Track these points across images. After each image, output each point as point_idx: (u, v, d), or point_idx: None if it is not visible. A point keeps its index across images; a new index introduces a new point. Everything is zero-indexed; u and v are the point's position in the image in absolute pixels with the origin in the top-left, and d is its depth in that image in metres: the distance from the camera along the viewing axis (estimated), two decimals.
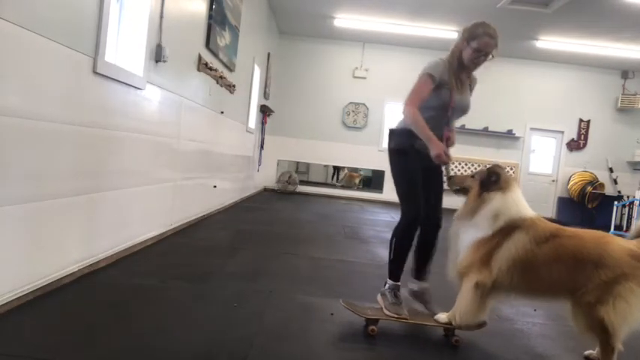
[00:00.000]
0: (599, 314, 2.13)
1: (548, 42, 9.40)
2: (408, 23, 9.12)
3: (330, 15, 9.22)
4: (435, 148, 2.55)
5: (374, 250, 4.86)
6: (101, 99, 3.01)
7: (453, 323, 2.46)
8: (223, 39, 5.68)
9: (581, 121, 11.07)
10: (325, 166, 13.45)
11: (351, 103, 10.98)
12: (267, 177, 10.83)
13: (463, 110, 2.79)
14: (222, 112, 6.07)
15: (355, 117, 11.02)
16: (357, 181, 12.83)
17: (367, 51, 10.84)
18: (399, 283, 2.71)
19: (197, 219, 5.43)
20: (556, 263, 2.25)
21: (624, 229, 9.54)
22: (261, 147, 9.75)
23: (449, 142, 2.74)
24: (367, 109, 10.98)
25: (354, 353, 2.30)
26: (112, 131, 3.18)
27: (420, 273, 2.83)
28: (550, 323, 3.07)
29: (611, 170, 10.97)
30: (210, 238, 4.70)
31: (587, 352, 2.50)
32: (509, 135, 10.93)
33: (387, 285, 2.70)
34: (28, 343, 2.01)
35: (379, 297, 2.71)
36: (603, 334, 2.16)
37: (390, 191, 11.06)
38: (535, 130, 11.13)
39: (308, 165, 13.56)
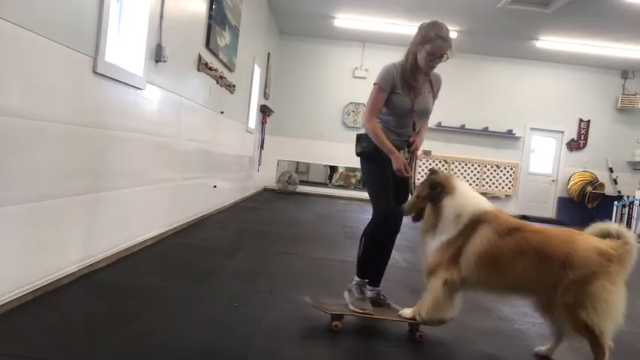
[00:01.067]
0: (581, 318, 2.14)
1: (548, 42, 9.40)
2: (408, 23, 9.11)
3: (330, 15, 9.22)
4: (396, 162, 2.61)
5: None
6: (101, 99, 3.01)
7: (417, 318, 2.45)
8: (223, 39, 5.68)
9: (581, 121, 11.07)
10: (325, 166, 13.45)
11: (351, 103, 10.99)
12: (267, 177, 10.83)
13: (423, 113, 2.77)
14: (222, 112, 6.07)
15: (355, 117, 11.02)
16: (353, 180, 12.85)
17: (367, 51, 10.85)
18: (366, 280, 2.73)
19: (197, 219, 5.43)
20: (520, 257, 2.24)
21: None
22: (261, 147, 9.75)
23: (414, 147, 2.75)
24: None
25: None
26: (112, 131, 3.18)
27: (375, 279, 2.82)
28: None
29: (611, 170, 10.98)
30: (210, 238, 4.70)
31: (536, 349, 2.51)
32: (509, 135, 10.94)
33: (354, 281, 2.72)
34: (28, 343, 2.01)
35: (346, 293, 2.71)
36: (590, 335, 2.17)
37: None
38: (535, 130, 11.13)
39: (308, 165, 13.56)
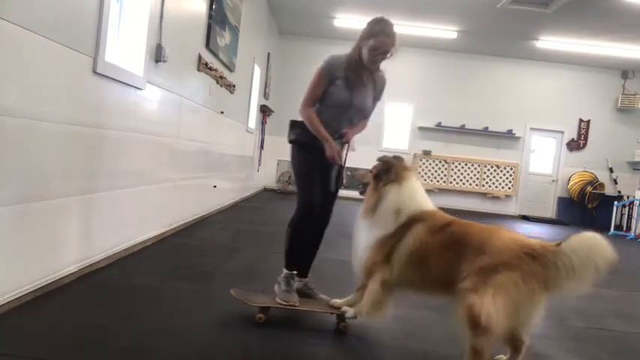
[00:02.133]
0: (469, 301, 1.91)
1: (548, 42, 9.40)
2: (407, 23, 9.12)
3: (330, 15, 9.22)
4: (329, 149, 2.60)
5: None
6: (101, 99, 3.01)
7: (359, 317, 2.41)
8: (223, 39, 5.68)
9: (581, 121, 11.08)
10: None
11: None
12: (267, 177, 10.83)
13: (360, 110, 2.72)
14: (222, 112, 6.07)
15: None
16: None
17: None
18: (294, 272, 2.72)
19: (197, 219, 5.43)
20: (443, 252, 2.15)
21: (624, 229, 9.55)
22: (261, 147, 9.75)
23: (345, 139, 2.69)
24: None
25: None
26: (112, 131, 3.18)
27: (303, 270, 2.83)
28: (550, 323, 3.07)
29: (611, 170, 10.98)
30: (210, 238, 4.70)
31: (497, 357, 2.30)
32: (509, 135, 10.93)
33: (282, 274, 2.72)
34: (28, 343, 2.01)
35: (275, 286, 2.72)
36: (472, 325, 1.90)
37: None
38: (535, 130, 11.14)
39: None
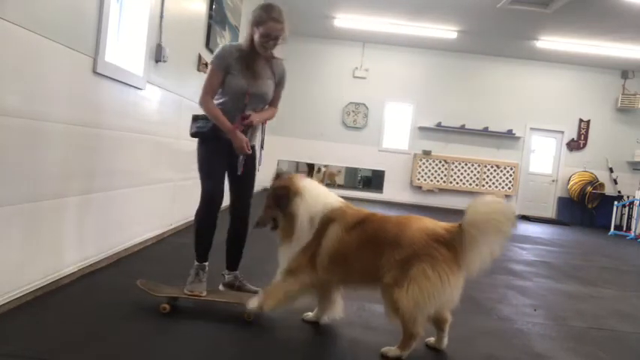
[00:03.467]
0: (393, 297, 2.08)
1: (548, 42, 9.40)
2: (408, 23, 9.11)
3: (330, 15, 9.22)
4: (236, 140, 2.60)
5: None
6: (101, 99, 3.01)
7: (263, 309, 2.39)
8: (223, 39, 5.68)
9: (581, 121, 11.07)
10: (325, 166, 13.45)
11: (351, 103, 10.99)
12: (267, 177, 10.80)
13: (260, 97, 2.74)
14: None
15: (355, 117, 11.03)
16: (335, 179, 13.09)
17: (367, 51, 10.84)
18: (204, 264, 2.74)
19: None
20: (362, 249, 2.23)
21: (624, 228, 9.55)
22: (261, 147, 9.73)
23: (247, 122, 2.67)
24: (367, 109, 10.99)
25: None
26: (112, 131, 3.18)
27: (232, 264, 2.89)
28: (550, 323, 3.07)
29: (611, 170, 10.98)
30: None
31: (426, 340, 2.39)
32: (509, 135, 10.93)
33: (193, 265, 2.74)
34: (28, 343, 2.01)
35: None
36: (400, 319, 2.10)
37: (390, 191, 11.10)
38: (535, 130, 11.13)
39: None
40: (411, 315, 2.07)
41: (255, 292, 2.65)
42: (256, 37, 2.59)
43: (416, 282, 2.05)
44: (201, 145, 2.75)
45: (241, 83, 2.64)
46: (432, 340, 2.38)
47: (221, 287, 2.89)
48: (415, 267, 2.06)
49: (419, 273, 2.05)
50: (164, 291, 2.62)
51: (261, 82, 2.71)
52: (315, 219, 2.36)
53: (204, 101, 2.66)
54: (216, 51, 2.70)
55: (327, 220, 2.34)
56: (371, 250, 2.20)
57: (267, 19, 2.55)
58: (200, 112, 2.73)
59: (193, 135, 2.76)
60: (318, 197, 2.41)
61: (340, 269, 2.31)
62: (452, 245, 2.08)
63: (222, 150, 2.68)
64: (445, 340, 2.36)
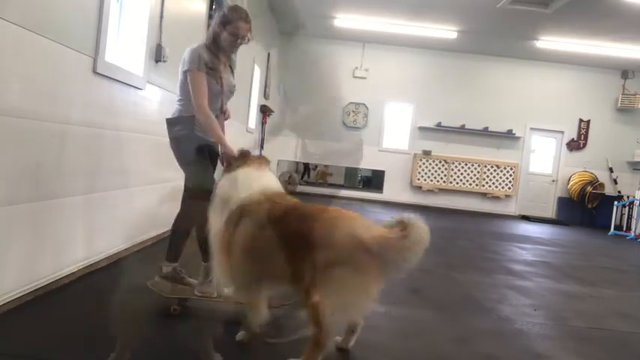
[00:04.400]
0: (312, 301, 1.93)
1: (548, 42, 9.40)
2: (407, 23, 9.11)
3: (330, 15, 9.22)
4: (227, 149, 2.61)
5: None
6: (101, 99, 3.01)
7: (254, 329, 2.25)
8: None
9: (581, 121, 11.07)
10: (326, 166, 13.47)
11: (351, 103, 10.99)
12: None
13: (231, 91, 2.87)
14: None
15: (355, 117, 11.03)
16: (327, 178, 13.33)
17: (367, 51, 10.84)
18: (175, 264, 2.73)
19: None
20: (283, 247, 2.06)
21: (624, 228, 9.55)
22: (261, 147, 9.75)
23: (226, 118, 2.90)
24: (367, 109, 10.99)
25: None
26: (112, 131, 3.18)
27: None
28: (550, 323, 3.07)
29: (611, 170, 10.98)
30: None
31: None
32: (509, 135, 10.93)
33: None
34: (28, 343, 2.01)
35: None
36: (316, 323, 1.95)
37: (390, 191, 11.09)
38: (535, 130, 11.13)
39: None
40: (329, 323, 1.94)
41: (195, 284, 2.64)
42: (224, 36, 2.66)
43: (340, 287, 1.93)
44: (179, 146, 2.79)
45: (217, 82, 2.71)
46: (339, 339, 2.27)
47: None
48: (340, 272, 1.93)
49: (344, 278, 1.93)
50: (175, 292, 2.61)
51: (227, 77, 2.82)
52: (231, 201, 2.22)
53: (205, 112, 2.60)
54: (189, 55, 2.68)
55: (244, 209, 2.17)
56: (292, 250, 2.04)
57: (237, 19, 2.63)
58: (170, 115, 2.75)
59: (174, 139, 2.75)
60: (248, 181, 2.30)
61: (257, 265, 2.14)
62: (375, 255, 1.95)
63: (201, 149, 2.74)
64: (353, 341, 2.27)
